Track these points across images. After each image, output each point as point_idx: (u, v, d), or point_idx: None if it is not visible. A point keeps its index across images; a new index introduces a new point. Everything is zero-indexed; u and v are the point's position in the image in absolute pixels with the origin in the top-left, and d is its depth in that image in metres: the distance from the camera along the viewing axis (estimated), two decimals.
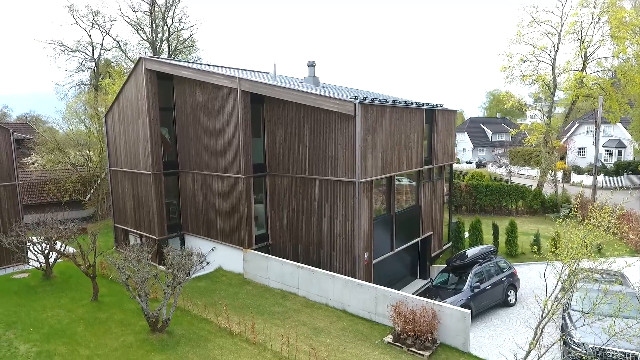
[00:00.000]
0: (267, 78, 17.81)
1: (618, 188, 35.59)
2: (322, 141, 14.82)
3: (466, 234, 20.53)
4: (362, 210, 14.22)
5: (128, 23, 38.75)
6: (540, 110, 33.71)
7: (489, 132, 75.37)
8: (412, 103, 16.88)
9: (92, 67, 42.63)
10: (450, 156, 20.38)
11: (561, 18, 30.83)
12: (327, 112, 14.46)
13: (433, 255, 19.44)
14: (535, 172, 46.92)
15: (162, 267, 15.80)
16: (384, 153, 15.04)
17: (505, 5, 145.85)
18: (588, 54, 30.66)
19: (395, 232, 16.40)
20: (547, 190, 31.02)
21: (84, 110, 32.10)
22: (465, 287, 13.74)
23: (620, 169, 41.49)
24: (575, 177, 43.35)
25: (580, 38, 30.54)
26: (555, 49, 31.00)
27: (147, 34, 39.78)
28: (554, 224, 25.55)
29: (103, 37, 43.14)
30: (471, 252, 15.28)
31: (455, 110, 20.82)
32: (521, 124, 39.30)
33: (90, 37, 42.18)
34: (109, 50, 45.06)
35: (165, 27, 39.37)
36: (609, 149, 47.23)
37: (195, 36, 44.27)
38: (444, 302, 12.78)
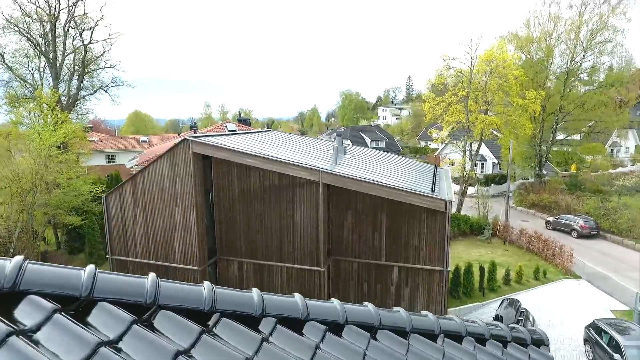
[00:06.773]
0: (328, 159, 17.28)
1: (491, 196, 44.86)
2: (404, 231, 15.66)
3: None
4: (445, 297, 15.74)
5: (20, 32, 29.49)
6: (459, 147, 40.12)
7: (367, 140, 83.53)
8: None
9: None
10: None
11: (470, 69, 37.18)
12: (411, 204, 15.35)
13: None
14: None
15: None
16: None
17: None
18: (489, 100, 37.89)
19: None
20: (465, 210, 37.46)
21: None
22: None
23: (488, 180, 52.23)
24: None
25: (483, 88, 37.53)
26: (466, 96, 37.25)
27: (42, 46, 31.03)
28: (485, 246, 31.99)
29: None
30: None
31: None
32: (437, 152, 45.55)
33: None
34: None
35: (68, 38, 31.38)
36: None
37: (109, 52, 36.42)
38: None
